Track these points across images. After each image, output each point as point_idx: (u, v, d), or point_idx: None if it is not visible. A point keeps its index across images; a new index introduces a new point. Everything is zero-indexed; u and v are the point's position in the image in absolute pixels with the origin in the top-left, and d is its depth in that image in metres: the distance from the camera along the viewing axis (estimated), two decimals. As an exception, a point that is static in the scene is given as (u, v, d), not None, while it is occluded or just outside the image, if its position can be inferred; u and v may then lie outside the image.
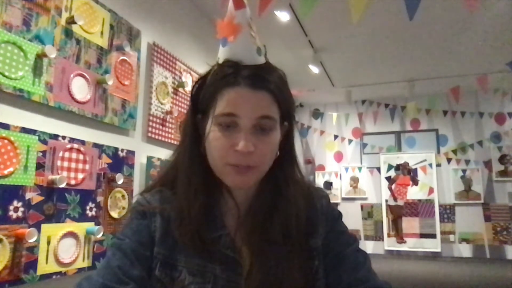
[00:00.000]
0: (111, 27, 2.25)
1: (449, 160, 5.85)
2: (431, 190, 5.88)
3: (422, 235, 5.81)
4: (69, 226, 1.90)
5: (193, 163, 0.69)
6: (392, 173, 6.12)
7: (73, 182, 1.93)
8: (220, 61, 0.68)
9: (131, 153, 2.38)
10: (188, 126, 0.71)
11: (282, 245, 0.66)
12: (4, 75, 1.61)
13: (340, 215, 0.77)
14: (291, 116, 0.72)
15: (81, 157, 2.00)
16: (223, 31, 0.68)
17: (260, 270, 0.64)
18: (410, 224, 5.90)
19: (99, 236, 2.01)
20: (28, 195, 1.70)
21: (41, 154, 1.78)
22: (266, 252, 0.66)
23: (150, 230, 0.67)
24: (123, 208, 2.27)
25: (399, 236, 5.93)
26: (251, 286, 0.64)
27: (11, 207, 1.63)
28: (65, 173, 1.89)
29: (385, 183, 6.13)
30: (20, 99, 1.71)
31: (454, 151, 5.84)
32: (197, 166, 0.68)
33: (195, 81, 0.71)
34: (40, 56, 1.77)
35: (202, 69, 3.60)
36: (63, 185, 1.83)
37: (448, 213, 5.78)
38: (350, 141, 6.36)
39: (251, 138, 0.63)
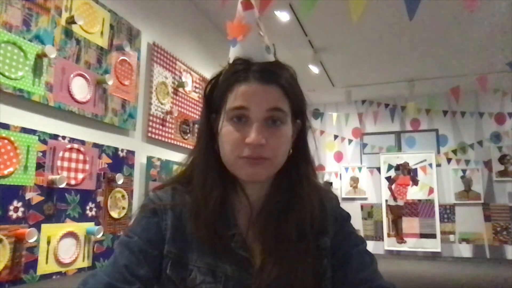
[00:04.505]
0: (111, 27, 2.25)
1: (449, 160, 5.85)
2: (431, 190, 5.88)
3: (422, 235, 5.81)
4: (69, 226, 1.90)
5: (208, 161, 0.69)
6: (392, 173, 6.12)
7: (73, 182, 1.93)
8: (231, 61, 0.70)
9: (131, 153, 2.38)
10: (203, 126, 0.72)
11: (295, 244, 0.66)
12: (4, 75, 1.61)
13: (349, 216, 0.78)
14: (304, 113, 0.73)
15: (81, 157, 2.00)
16: (233, 32, 0.70)
17: (273, 269, 0.64)
18: (410, 224, 5.90)
19: (99, 236, 2.01)
20: (28, 195, 1.70)
21: (41, 154, 1.78)
22: (280, 251, 0.66)
23: (161, 228, 0.67)
24: (123, 208, 2.27)
25: (399, 236, 5.92)
26: (262, 285, 0.63)
27: (11, 207, 1.63)
28: (65, 173, 1.89)
29: (385, 183, 6.13)
30: (20, 99, 1.71)
31: (454, 151, 5.84)
32: (212, 163, 0.69)
33: (208, 81, 0.72)
34: (40, 56, 1.77)
35: (202, 69, 3.62)
36: (63, 185, 1.83)
37: (448, 213, 5.78)
38: (350, 141, 6.36)
39: (262, 131, 0.63)
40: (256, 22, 0.70)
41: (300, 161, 0.72)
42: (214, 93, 0.70)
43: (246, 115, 0.64)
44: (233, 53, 0.70)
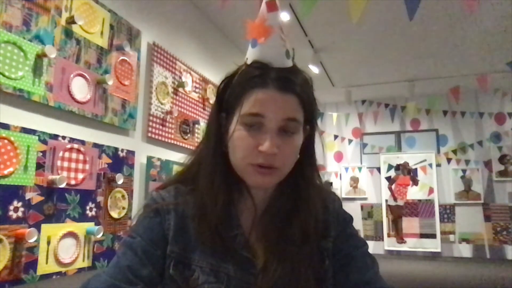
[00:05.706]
0: (111, 27, 2.25)
1: (449, 160, 5.84)
2: (431, 190, 5.88)
3: (422, 235, 5.81)
4: (69, 226, 1.89)
5: (216, 161, 0.69)
6: (392, 173, 6.12)
7: (73, 182, 1.93)
8: (249, 62, 0.69)
9: (131, 153, 2.38)
10: (212, 124, 0.71)
11: (299, 247, 0.66)
12: (4, 75, 1.61)
13: (351, 218, 0.78)
14: (314, 120, 0.73)
15: (81, 157, 1.99)
16: (254, 32, 0.68)
17: (276, 270, 0.64)
18: (410, 224, 5.90)
19: (99, 236, 2.01)
20: (28, 195, 1.70)
21: (41, 154, 1.78)
22: (283, 253, 0.66)
23: (163, 228, 0.67)
24: (123, 208, 2.27)
25: (399, 236, 5.92)
26: (264, 285, 0.64)
27: (11, 207, 1.63)
28: (65, 173, 1.89)
29: (385, 183, 6.13)
30: (20, 99, 1.71)
31: (454, 151, 5.84)
32: (219, 164, 0.69)
33: (221, 80, 0.71)
34: (40, 56, 1.77)
35: (202, 69, 3.62)
36: (63, 185, 1.83)
37: (448, 213, 5.77)
38: (350, 141, 6.35)
39: (276, 140, 0.63)
40: (279, 25, 0.68)
41: (306, 165, 0.72)
42: (227, 93, 0.69)
43: (261, 122, 0.64)
44: (252, 54, 0.68)
